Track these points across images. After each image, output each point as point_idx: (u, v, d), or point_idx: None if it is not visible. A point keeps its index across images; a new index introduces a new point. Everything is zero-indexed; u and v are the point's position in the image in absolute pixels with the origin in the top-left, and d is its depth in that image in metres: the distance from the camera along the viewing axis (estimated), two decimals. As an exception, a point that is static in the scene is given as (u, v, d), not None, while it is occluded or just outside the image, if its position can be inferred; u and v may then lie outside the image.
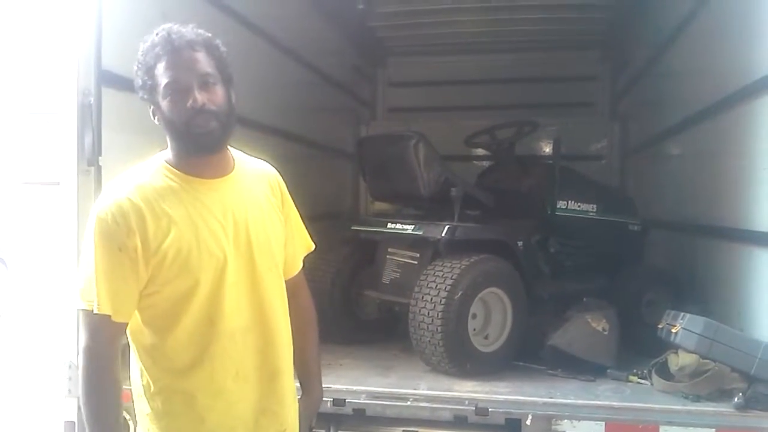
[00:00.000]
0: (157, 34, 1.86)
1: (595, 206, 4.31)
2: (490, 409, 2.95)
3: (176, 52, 1.82)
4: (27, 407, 6.00)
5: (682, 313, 3.27)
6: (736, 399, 2.87)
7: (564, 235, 4.21)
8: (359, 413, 3.01)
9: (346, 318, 4.15)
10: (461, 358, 3.44)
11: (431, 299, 3.43)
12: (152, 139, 3.83)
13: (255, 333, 1.92)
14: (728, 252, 3.74)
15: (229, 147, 1.98)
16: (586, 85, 7.48)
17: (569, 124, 6.80)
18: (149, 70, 1.84)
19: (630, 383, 3.31)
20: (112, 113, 3.27)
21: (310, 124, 5.83)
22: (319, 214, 4.99)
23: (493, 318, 3.64)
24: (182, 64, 1.81)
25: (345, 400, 2.99)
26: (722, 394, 2.98)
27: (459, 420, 2.97)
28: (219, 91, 1.85)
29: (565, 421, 2.89)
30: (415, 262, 3.86)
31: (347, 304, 4.19)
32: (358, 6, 6.07)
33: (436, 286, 3.45)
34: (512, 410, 2.96)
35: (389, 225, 3.92)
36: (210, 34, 1.91)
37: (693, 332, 3.13)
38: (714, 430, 2.83)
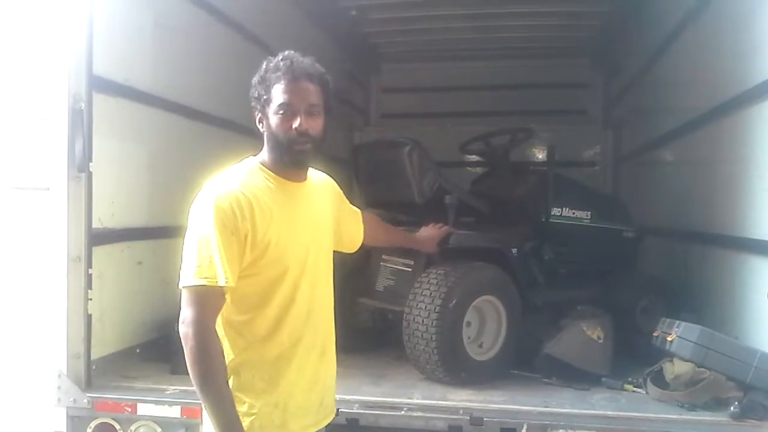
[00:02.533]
0: (282, 60, 2.15)
1: (589, 213, 4.30)
2: (484, 419, 2.93)
3: (295, 79, 2.12)
4: (17, 416, 5.93)
5: (677, 322, 3.26)
6: (732, 408, 2.86)
7: (558, 243, 4.19)
8: (352, 423, 2.98)
9: (339, 325, 4.10)
10: (455, 367, 3.41)
11: (425, 307, 3.41)
12: (143, 145, 3.85)
13: (314, 316, 2.23)
14: (723, 259, 3.74)
15: None
16: (580, 93, 7.50)
17: (562, 131, 6.81)
18: (267, 88, 2.14)
19: (625, 392, 3.30)
20: (103, 119, 3.26)
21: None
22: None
23: (487, 326, 3.62)
24: (298, 91, 2.12)
25: (338, 409, 2.93)
26: (718, 403, 2.97)
27: (453, 429, 2.94)
28: (320, 121, 2.17)
29: (561, 430, 2.87)
30: (409, 270, 3.84)
31: (340, 312, 4.13)
32: (351, 12, 6.07)
33: (431, 293, 3.43)
34: (507, 419, 2.94)
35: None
36: (324, 70, 2.21)
37: (688, 341, 3.12)
38: None
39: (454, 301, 3.40)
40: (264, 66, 2.18)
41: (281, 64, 2.14)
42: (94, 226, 3.20)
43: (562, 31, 6.65)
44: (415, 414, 3.00)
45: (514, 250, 3.91)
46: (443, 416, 2.98)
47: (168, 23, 3.93)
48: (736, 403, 2.88)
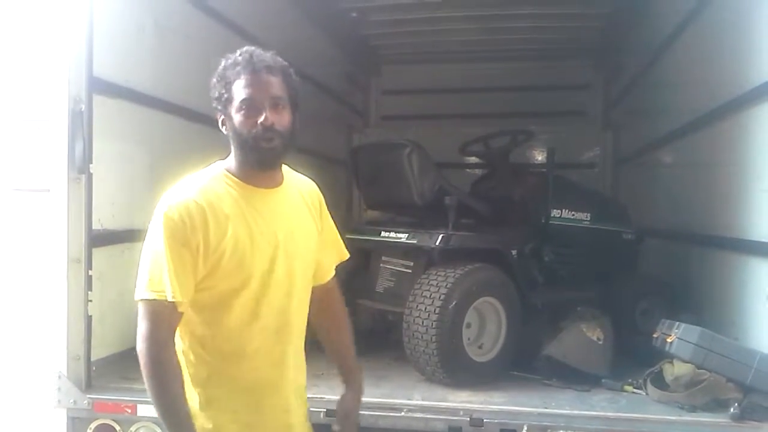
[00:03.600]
0: (240, 54, 2.04)
1: (589, 215, 4.30)
2: (485, 420, 2.93)
3: (255, 73, 2.00)
4: (17, 418, 5.92)
5: (677, 323, 3.26)
6: (732, 409, 2.86)
7: (558, 244, 4.20)
8: (352, 424, 2.97)
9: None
10: (455, 368, 3.41)
11: (425, 308, 3.41)
12: (143, 147, 3.84)
13: (287, 331, 2.12)
14: (723, 261, 3.74)
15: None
16: (579, 94, 7.50)
17: (562, 133, 6.81)
18: (227, 85, 2.03)
19: (625, 393, 3.30)
20: (103, 121, 3.26)
21: (302, 132, 5.81)
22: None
23: (487, 327, 3.63)
24: (259, 85, 2.00)
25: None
26: (718, 405, 2.96)
27: (453, 431, 2.94)
28: (286, 115, 2.04)
29: (561, 431, 2.86)
30: (409, 271, 3.84)
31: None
32: (352, 14, 6.07)
33: (431, 295, 3.43)
34: (507, 420, 2.94)
35: (383, 233, 3.90)
36: (287, 63, 2.09)
37: (688, 342, 3.12)
38: None
39: (454, 303, 3.40)
40: (222, 63, 2.07)
41: (240, 58, 2.03)
42: (94, 227, 3.20)
43: (562, 33, 6.65)
44: (415, 415, 3.00)
45: (514, 252, 3.91)
46: (443, 417, 2.97)
47: (168, 25, 3.93)
48: (736, 404, 2.87)
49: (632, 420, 2.94)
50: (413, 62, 7.59)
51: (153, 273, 1.95)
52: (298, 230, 2.14)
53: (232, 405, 2.06)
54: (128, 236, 3.61)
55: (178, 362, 1.99)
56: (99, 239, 3.26)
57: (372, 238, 3.99)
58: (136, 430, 3.09)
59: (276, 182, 2.13)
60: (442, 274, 3.49)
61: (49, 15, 3.15)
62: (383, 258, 4.02)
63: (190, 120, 4.18)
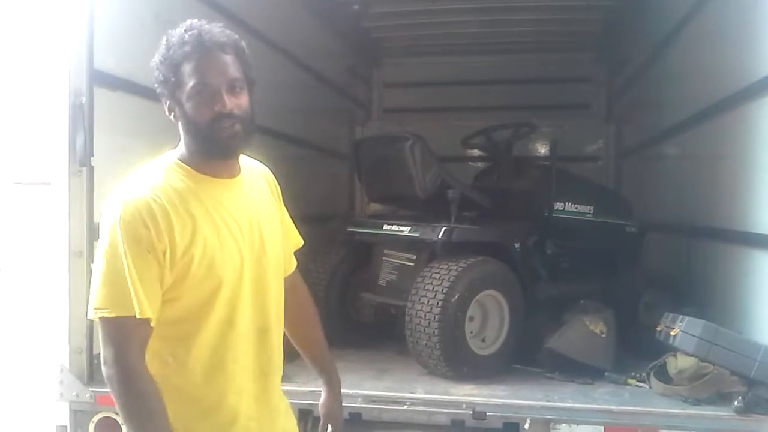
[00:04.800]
0: (186, 32, 1.80)
1: (592, 208, 4.29)
2: (487, 413, 2.94)
3: (207, 53, 1.78)
4: (19, 411, 5.94)
5: (680, 316, 3.25)
6: (735, 402, 2.85)
7: (561, 237, 4.19)
8: (355, 417, 2.98)
9: (341, 320, 4.13)
10: (458, 361, 3.41)
11: (428, 302, 3.41)
12: (144, 140, 3.81)
13: (266, 334, 1.93)
14: (726, 254, 3.73)
15: None
16: (582, 87, 7.47)
17: (565, 126, 6.77)
18: (174, 67, 1.78)
19: (628, 386, 3.29)
20: (104, 114, 3.25)
21: (304, 125, 5.80)
22: (314, 216, 4.96)
23: (490, 321, 3.62)
24: (212, 67, 1.78)
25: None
26: (722, 398, 2.96)
27: (456, 424, 2.95)
28: (244, 97, 1.83)
29: (564, 425, 2.88)
30: (412, 264, 3.83)
31: (343, 307, 4.16)
32: (354, 6, 6.05)
33: (433, 288, 3.42)
34: (510, 414, 2.94)
35: (385, 227, 3.89)
36: (237, 36, 1.87)
37: (692, 335, 3.11)
38: None
39: (456, 296, 3.39)
40: (165, 42, 1.81)
41: (187, 36, 1.78)
42: (95, 220, 3.19)
43: (565, 25, 6.62)
44: (417, 408, 3.00)
45: (517, 245, 3.90)
46: (446, 411, 2.98)
47: (169, 17, 3.90)
48: (740, 397, 2.86)
49: (635, 413, 2.94)
50: (415, 55, 7.56)
51: (114, 286, 1.70)
52: (264, 222, 1.93)
53: (221, 421, 1.86)
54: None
55: (154, 383, 1.73)
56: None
57: (374, 232, 3.99)
58: (139, 423, 3.07)
59: (234, 171, 1.91)
60: (445, 267, 3.49)
61: (50, 8, 3.14)
62: (385, 251, 4.01)
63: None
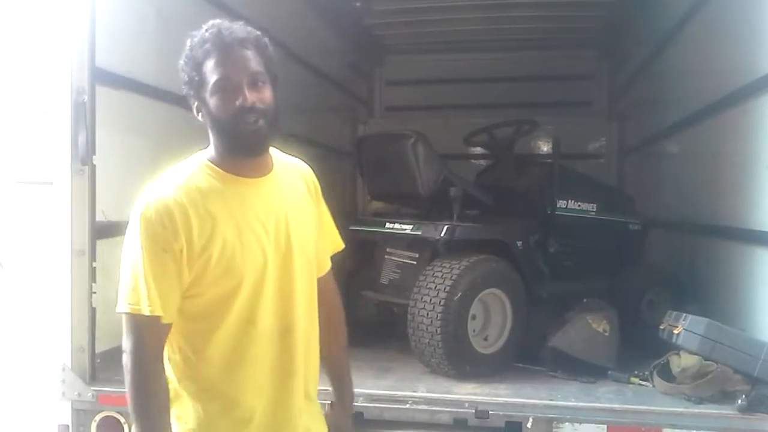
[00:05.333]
0: (207, 30, 1.83)
1: (594, 205, 4.28)
2: (490, 412, 2.92)
3: (227, 49, 1.80)
4: (21, 410, 5.94)
5: (684, 314, 3.24)
6: (739, 401, 2.84)
7: (563, 235, 4.18)
8: (357, 416, 2.95)
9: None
10: (461, 360, 3.40)
11: (430, 300, 3.40)
12: (146, 138, 3.82)
13: (290, 333, 1.92)
14: (729, 251, 3.72)
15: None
16: (584, 84, 7.46)
17: (567, 123, 6.77)
18: (197, 66, 1.81)
19: (631, 385, 3.28)
20: (106, 112, 3.25)
21: (306, 123, 5.79)
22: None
23: (492, 319, 3.61)
24: (233, 62, 1.79)
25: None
26: (725, 396, 2.94)
27: (459, 423, 2.94)
28: (267, 91, 1.84)
29: (567, 423, 2.86)
30: (414, 263, 3.83)
31: (345, 305, 4.13)
32: (355, 4, 6.04)
33: (435, 286, 3.41)
34: (513, 413, 2.93)
35: (387, 225, 3.89)
36: (259, 32, 1.88)
37: (695, 333, 3.10)
38: None
39: (459, 294, 3.38)
40: (188, 43, 1.84)
41: (207, 34, 1.81)
42: (97, 219, 3.19)
43: (567, 22, 6.61)
44: (419, 407, 2.99)
45: (519, 243, 3.89)
46: (448, 409, 2.97)
47: (171, 15, 3.91)
48: (744, 396, 2.85)
49: (639, 412, 2.93)
50: (417, 52, 7.55)
51: (131, 283, 1.76)
52: (295, 221, 1.92)
53: (238, 417, 1.88)
54: (132, 228, 3.60)
55: (165, 380, 1.81)
56: (102, 231, 3.25)
57: (377, 230, 3.98)
58: (141, 422, 3.08)
59: (265, 169, 1.92)
60: (447, 265, 3.48)
61: (52, 6, 3.13)
62: (388, 249, 4.01)
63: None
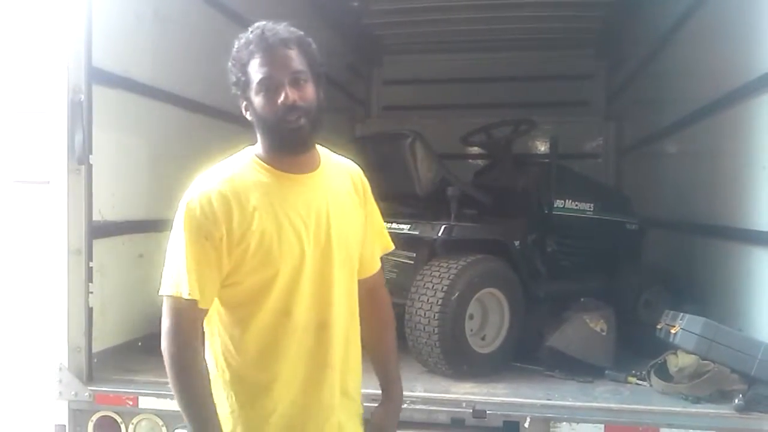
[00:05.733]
0: (251, 32, 1.91)
1: (592, 205, 4.28)
2: (487, 411, 2.92)
3: (270, 49, 1.87)
4: (18, 410, 5.93)
5: (681, 314, 3.24)
6: (736, 401, 2.84)
7: (561, 235, 4.18)
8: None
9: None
10: (458, 360, 3.40)
11: (428, 300, 3.40)
12: (143, 138, 3.82)
13: (326, 328, 1.96)
14: (727, 251, 3.72)
15: (316, 145, 2.04)
16: (582, 84, 7.47)
17: (565, 123, 6.78)
18: (243, 67, 1.89)
19: (629, 384, 3.28)
20: (103, 111, 3.24)
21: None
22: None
23: (490, 319, 3.61)
24: (275, 62, 1.86)
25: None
26: (722, 396, 2.95)
27: (456, 422, 2.93)
28: (309, 89, 1.90)
29: (564, 423, 2.86)
30: (411, 262, 3.82)
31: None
32: (353, 3, 6.03)
33: (433, 286, 3.41)
34: (510, 412, 2.93)
35: (385, 225, 3.87)
36: (302, 33, 1.95)
37: (692, 333, 3.10)
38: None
39: (456, 294, 3.38)
40: (236, 45, 1.92)
41: (251, 36, 1.89)
42: (94, 218, 3.19)
43: (565, 22, 6.62)
44: (417, 407, 2.98)
45: (517, 243, 3.89)
46: (446, 409, 2.96)
47: (168, 14, 3.91)
48: (741, 395, 2.86)
49: (636, 411, 2.93)
50: (415, 52, 7.55)
51: (173, 268, 1.86)
52: (336, 218, 1.98)
53: (265, 407, 1.94)
54: (129, 227, 3.61)
55: (202, 360, 1.90)
56: (99, 230, 3.25)
57: (374, 229, 3.96)
58: (138, 422, 3.08)
59: (311, 166, 1.99)
60: (445, 265, 3.48)
61: (48, 5, 3.12)
62: (385, 249, 3.99)
63: (191, 110, 4.16)
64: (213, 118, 4.37)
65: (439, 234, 3.56)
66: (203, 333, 1.97)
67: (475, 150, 6.05)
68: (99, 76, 3.21)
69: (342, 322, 2.00)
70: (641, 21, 5.74)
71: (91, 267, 3.13)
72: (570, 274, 4.19)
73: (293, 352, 1.93)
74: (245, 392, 1.95)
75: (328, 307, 1.96)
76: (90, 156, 3.09)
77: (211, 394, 1.89)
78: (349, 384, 2.07)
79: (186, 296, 1.82)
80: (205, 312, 1.89)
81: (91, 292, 3.13)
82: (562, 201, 4.15)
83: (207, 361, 1.96)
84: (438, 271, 3.46)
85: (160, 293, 1.88)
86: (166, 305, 1.87)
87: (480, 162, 5.97)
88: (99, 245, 3.23)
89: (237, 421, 1.95)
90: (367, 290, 2.16)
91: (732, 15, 3.65)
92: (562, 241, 4.19)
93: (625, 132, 6.87)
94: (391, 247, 2.30)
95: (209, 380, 1.91)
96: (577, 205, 4.22)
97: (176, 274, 1.84)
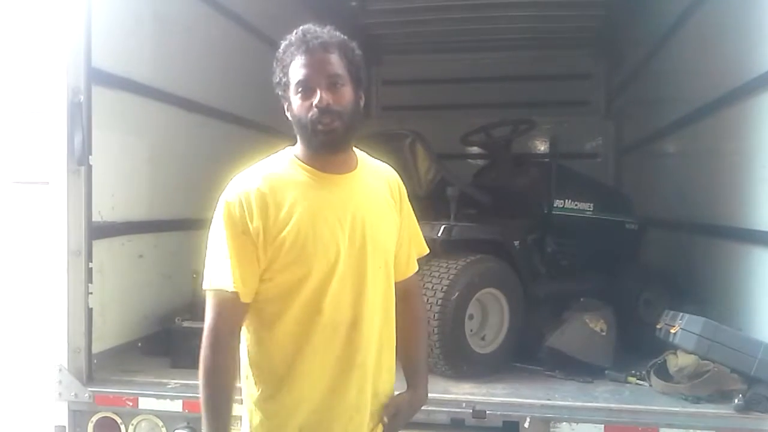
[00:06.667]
0: (294, 34, 1.95)
1: (592, 205, 4.28)
2: (487, 412, 2.92)
3: (310, 52, 1.91)
4: (18, 411, 5.93)
5: (680, 314, 3.24)
6: (736, 400, 2.85)
7: (561, 235, 4.18)
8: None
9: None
10: (458, 360, 3.39)
11: (427, 300, 3.39)
12: (143, 138, 3.82)
13: (357, 328, 1.97)
14: (726, 251, 3.72)
15: (354, 148, 2.07)
16: (582, 83, 7.46)
17: (564, 123, 6.78)
18: (284, 68, 1.94)
19: (628, 384, 3.28)
20: (103, 112, 3.25)
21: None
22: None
23: (489, 319, 3.61)
24: (314, 64, 1.90)
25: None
26: (722, 396, 2.95)
27: (456, 423, 2.93)
28: (346, 93, 1.93)
29: (564, 423, 2.86)
30: (411, 263, 3.81)
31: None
32: (352, 3, 6.03)
33: (432, 286, 3.41)
34: (510, 412, 2.93)
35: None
36: (345, 37, 1.98)
37: (692, 333, 3.10)
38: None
39: (456, 294, 3.38)
40: (281, 46, 1.97)
41: (293, 38, 1.94)
42: (94, 219, 3.19)
43: (564, 22, 6.61)
44: (417, 407, 2.97)
45: (517, 243, 3.89)
46: (446, 409, 2.96)
47: (167, 15, 3.91)
48: (740, 395, 2.86)
49: (636, 411, 2.93)
50: (414, 52, 7.54)
51: (213, 262, 1.89)
52: (371, 220, 2.00)
53: (291, 401, 1.96)
54: (128, 228, 3.61)
55: (236, 357, 1.93)
56: (99, 231, 3.25)
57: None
58: (138, 423, 3.08)
59: (348, 167, 2.02)
60: (444, 265, 3.47)
61: (48, 6, 3.12)
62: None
63: (190, 111, 4.16)
64: (213, 118, 4.38)
65: (439, 234, 3.55)
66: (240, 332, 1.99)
67: (475, 150, 6.05)
68: (98, 77, 3.21)
69: (375, 324, 2.00)
70: (641, 20, 5.73)
71: (91, 268, 3.14)
72: (570, 274, 4.19)
73: (322, 349, 1.94)
74: (271, 386, 1.96)
75: (360, 307, 1.96)
76: (90, 157, 3.10)
77: (231, 398, 1.91)
78: (380, 386, 2.07)
79: (230, 289, 1.85)
80: (247, 307, 1.92)
81: (91, 293, 3.13)
82: (562, 201, 4.16)
83: (241, 357, 1.99)
84: (438, 271, 3.46)
85: (203, 288, 1.91)
86: (209, 300, 1.90)
87: (480, 162, 5.96)
88: (99, 246, 3.23)
89: (261, 414, 1.97)
90: (402, 293, 2.17)
91: (731, 14, 3.65)
92: (561, 241, 4.19)
93: (624, 131, 6.87)
94: (426, 250, 2.34)
95: (236, 380, 1.93)
96: (576, 205, 4.22)
97: (219, 268, 1.88)
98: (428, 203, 3.85)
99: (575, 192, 4.23)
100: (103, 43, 3.23)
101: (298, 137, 1.98)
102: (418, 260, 2.67)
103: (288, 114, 1.98)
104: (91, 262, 3.14)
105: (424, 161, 3.77)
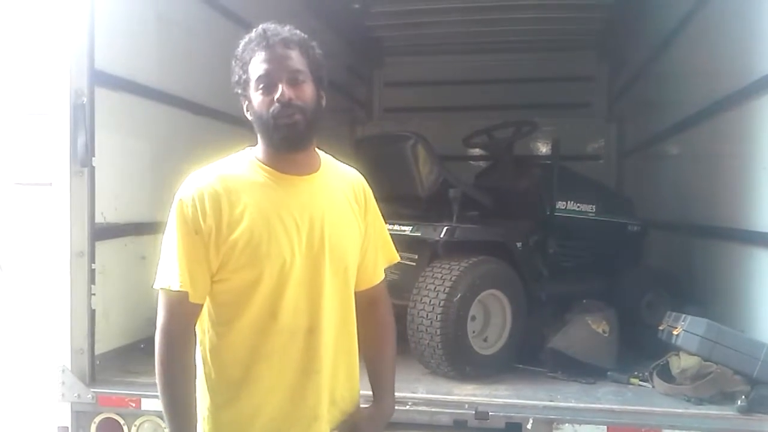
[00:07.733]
0: (254, 32, 1.92)
1: (594, 207, 4.28)
2: (490, 413, 2.92)
3: (270, 48, 1.88)
4: (21, 412, 5.93)
5: (683, 315, 3.24)
6: (738, 402, 2.85)
7: (563, 236, 4.17)
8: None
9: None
10: (460, 361, 3.40)
11: (430, 301, 3.40)
12: (146, 140, 3.83)
13: (315, 335, 1.92)
14: (728, 252, 3.72)
15: (317, 149, 2.03)
16: (583, 86, 7.47)
17: (566, 125, 6.79)
18: (244, 65, 1.91)
19: (631, 386, 3.28)
20: (105, 114, 3.25)
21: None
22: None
23: (492, 320, 3.61)
24: (275, 60, 1.87)
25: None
26: (725, 397, 2.95)
27: (459, 424, 2.93)
28: (308, 89, 1.90)
29: (567, 424, 2.86)
30: (413, 264, 3.82)
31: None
32: (354, 5, 6.04)
33: (435, 288, 3.41)
34: (513, 414, 2.93)
35: (387, 226, 3.87)
36: (306, 36, 1.96)
37: (695, 334, 3.10)
38: None
39: (458, 296, 3.38)
40: (240, 44, 1.93)
41: (253, 35, 1.91)
42: (97, 221, 3.20)
43: (566, 24, 6.63)
44: (419, 408, 2.98)
45: (519, 244, 3.89)
46: (448, 411, 2.96)
47: (171, 17, 3.92)
48: (743, 397, 2.86)
49: (638, 413, 2.93)
50: (416, 54, 7.57)
51: (166, 261, 1.86)
52: (331, 223, 1.94)
53: (248, 408, 1.91)
54: (131, 229, 3.61)
55: (190, 359, 1.88)
56: (102, 233, 3.26)
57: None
58: (141, 424, 3.08)
59: (310, 169, 1.97)
60: (447, 266, 3.48)
61: (51, 7, 3.13)
62: (387, 250, 3.99)
63: (194, 113, 4.17)
64: (216, 120, 4.38)
65: (441, 235, 3.56)
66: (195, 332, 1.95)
67: (477, 152, 6.06)
68: (102, 79, 3.22)
69: (331, 330, 1.95)
70: (643, 23, 5.74)
71: (94, 269, 3.14)
72: (572, 276, 4.19)
73: (278, 355, 1.89)
74: (225, 393, 1.92)
75: (317, 312, 1.91)
76: (93, 158, 3.11)
77: (194, 394, 1.88)
78: (338, 393, 2.02)
79: (176, 288, 1.81)
80: (199, 308, 1.88)
81: (94, 294, 3.14)
82: (564, 203, 4.15)
83: (196, 362, 1.94)
84: (440, 272, 3.46)
85: (154, 287, 1.88)
86: (160, 299, 1.87)
87: (482, 164, 5.97)
88: (101, 247, 3.23)
89: (215, 423, 1.93)
90: (368, 301, 2.12)
91: (733, 17, 3.65)
92: (564, 242, 4.19)
93: (626, 134, 6.87)
94: (397, 258, 2.26)
95: (194, 382, 1.90)
96: (578, 207, 4.22)
97: (168, 268, 1.84)
98: (430, 205, 3.87)
99: (577, 194, 4.23)
100: (106, 45, 3.23)
101: (259, 135, 1.94)
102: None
103: (248, 113, 1.94)
104: (94, 263, 3.14)
105: (426, 163, 3.78)
